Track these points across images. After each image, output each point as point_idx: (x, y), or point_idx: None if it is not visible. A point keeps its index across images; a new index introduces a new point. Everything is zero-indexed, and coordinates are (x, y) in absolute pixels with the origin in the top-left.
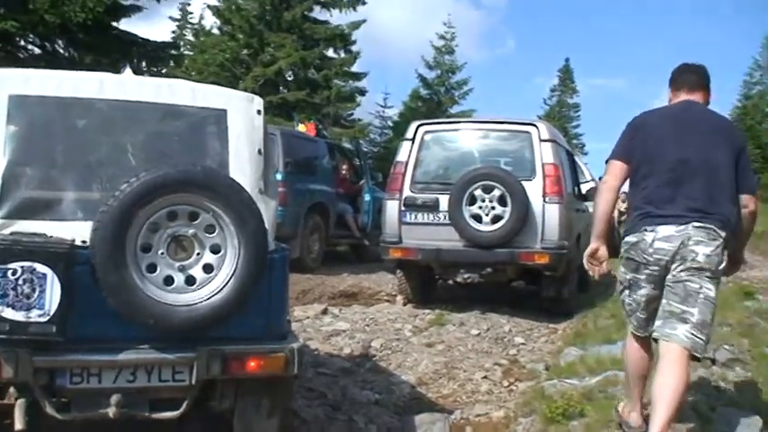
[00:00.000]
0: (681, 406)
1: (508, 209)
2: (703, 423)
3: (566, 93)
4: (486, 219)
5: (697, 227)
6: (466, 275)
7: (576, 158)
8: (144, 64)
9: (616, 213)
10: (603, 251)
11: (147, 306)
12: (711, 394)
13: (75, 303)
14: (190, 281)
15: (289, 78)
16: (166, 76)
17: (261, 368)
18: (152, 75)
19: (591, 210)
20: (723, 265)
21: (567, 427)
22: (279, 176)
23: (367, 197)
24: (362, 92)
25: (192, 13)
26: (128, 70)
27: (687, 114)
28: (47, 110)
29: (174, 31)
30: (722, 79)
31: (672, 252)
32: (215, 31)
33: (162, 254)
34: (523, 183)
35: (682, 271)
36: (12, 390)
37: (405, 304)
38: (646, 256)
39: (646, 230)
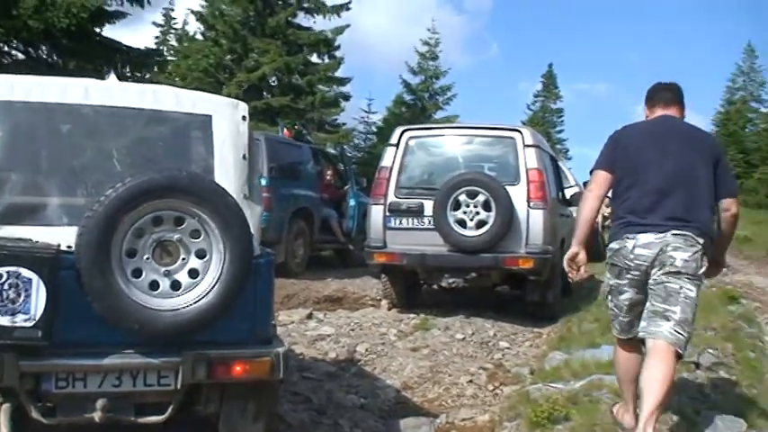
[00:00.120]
0: (667, 398)
1: (492, 214)
2: (688, 426)
3: (549, 98)
4: (470, 224)
5: (675, 234)
6: (450, 280)
7: (560, 164)
8: (128, 70)
9: (600, 218)
10: (582, 256)
11: (133, 311)
12: (696, 398)
13: (61, 308)
14: (175, 286)
15: (273, 84)
16: (150, 81)
17: (246, 372)
18: (136, 80)
19: (575, 215)
20: (702, 270)
21: (553, 430)
22: (263, 182)
23: (351, 202)
24: (346, 97)
25: (175, 18)
26: (112, 76)
27: (664, 128)
28: (32, 115)
29: (157, 37)
30: (705, 84)
31: (651, 258)
32: (198, 36)
33: (147, 259)
34: (508, 188)
35: (662, 275)
36: None
37: (389, 309)
38: (627, 261)
39: (627, 238)
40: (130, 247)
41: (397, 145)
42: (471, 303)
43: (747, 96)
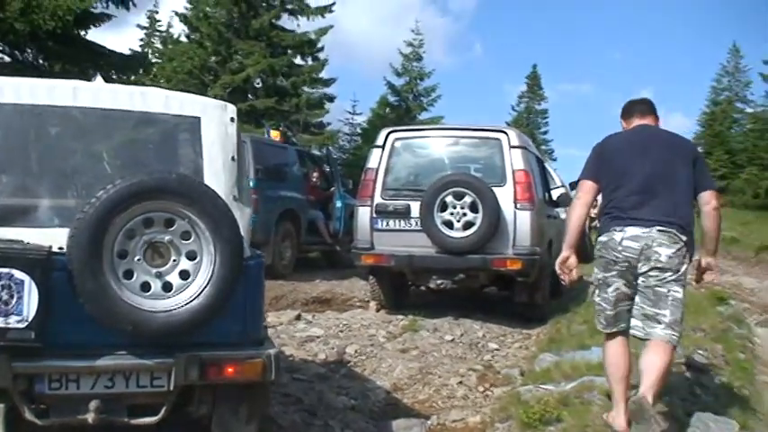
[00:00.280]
0: (665, 378)
1: (479, 215)
2: (680, 428)
3: (534, 99)
4: (457, 225)
5: (660, 230)
6: (438, 281)
7: (546, 165)
8: (113, 72)
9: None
10: (573, 259)
11: (125, 312)
12: (687, 399)
13: (53, 309)
14: (167, 287)
15: (257, 86)
16: (135, 83)
17: (238, 374)
18: (121, 83)
19: (562, 216)
20: (685, 266)
21: None
22: (250, 183)
23: (338, 203)
24: (331, 98)
25: (160, 21)
26: (99, 78)
27: (644, 134)
28: (21, 117)
29: (142, 39)
30: (690, 85)
31: (638, 251)
32: (183, 38)
33: (138, 260)
34: (494, 189)
35: (649, 272)
36: None
37: (378, 310)
38: (615, 253)
39: (615, 230)
40: (122, 248)
41: (383, 146)
42: (460, 305)
43: (733, 97)
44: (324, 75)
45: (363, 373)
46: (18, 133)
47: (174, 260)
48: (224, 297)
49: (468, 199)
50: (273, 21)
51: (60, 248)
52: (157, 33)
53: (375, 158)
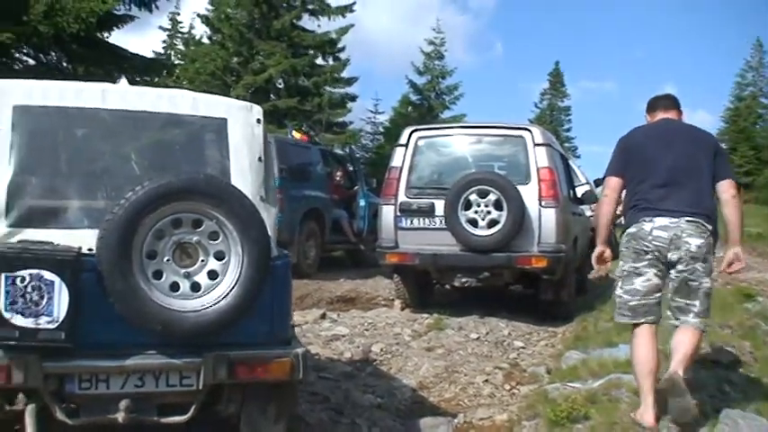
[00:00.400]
0: (693, 356)
1: (504, 213)
2: (709, 426)
3: (556, 96)
4: (482, 223)
5: (688, 221)
6: (463, 280)
7: (570, 162)
8: (136, 74)
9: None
10: (608, 252)
11: (154, 312)
12: (716, 396)
13: (83, 310)
14: (195, 287)
15: (279, 86)
16: (158, 85)
17: (267, 373)
18: (144, 85)
19: (587, 213)
20: (712, 256)
21: (572, 430)
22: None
23: (362, 202)
24: (353, 98)
25: (182, 22)
26: (123, 80)
27: (667, 128)
28: (51, 120)
29: (164, 41)
30: (713, 81)
31: (668, 240)
32: (205, 40)
33: (167, 260)
34: (519, 187)
35: (680, 263)
36: (20, 396)
37: (403, 309)
38: (645, 243)
39: (644, 220)
40: (151, 249)
41: (407, 145)
42: (484, 303)
43: (757, 92)
44: (345, 74)
45: (389, 372)
46: (47, 135)
47: (203, 260)
48: (252, 297)
49: (492, 197)
50: (294, 21)
51: (90, 249)
52: (179, 35)
53: (399, 157)
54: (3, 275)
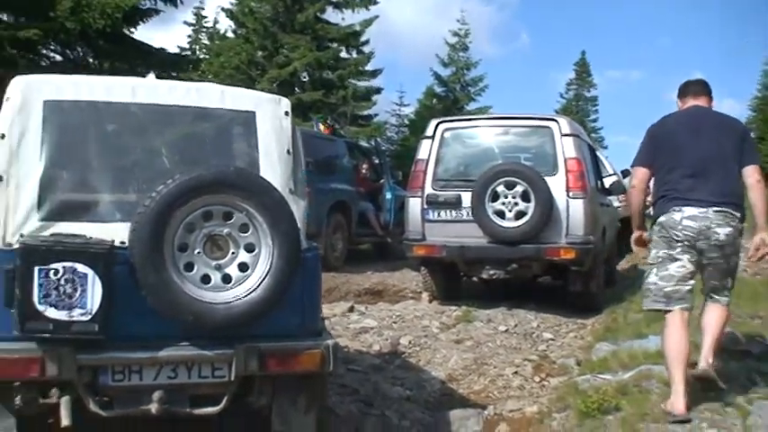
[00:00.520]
0: (722, 336)
1: (531, 204)
2: (741, 416)
3: (583, 86)
4: (509, 215)
5: (716, 211)
6: (491, 272)
7: (598, 152)
8: (162, 69)
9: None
10: (646, 235)
11: (186, 304)
12: (747, 386)
13: (116, 302)
14: (226, 279)
15: (304, 79)
16: (183, 80)
17: (298, 365)
18: (171, 80)
19: (615, 204)
20: (740, 238)
21: (603, 421)
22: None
23: (388, 195)
24: (378, 90)
25: (206, 17)
26: (151, 75)
27: (696, 115)
28: (81, 114)
29: (189, 36)
30: (741, 69)
31: (697, 230)
32: (230, 34)
33: (198, 253)
34: (546, 178)
35: (711, 251)
36: (54, 390)
37: (430, 301)
38: (676, 232)
39: (674, 210)
40: (182, 241)
41: (433, 137)
42: (513, 295)
43: None
44: (370, 66)
45: (418, 364)
46: (78, 130)
47: (233, 253)
48: (282, 289)
49: (519, 188)
50: (318, 14)
51: (122, 242)
52: (204, 30)
53: (425, 149)
54: (36, 268)
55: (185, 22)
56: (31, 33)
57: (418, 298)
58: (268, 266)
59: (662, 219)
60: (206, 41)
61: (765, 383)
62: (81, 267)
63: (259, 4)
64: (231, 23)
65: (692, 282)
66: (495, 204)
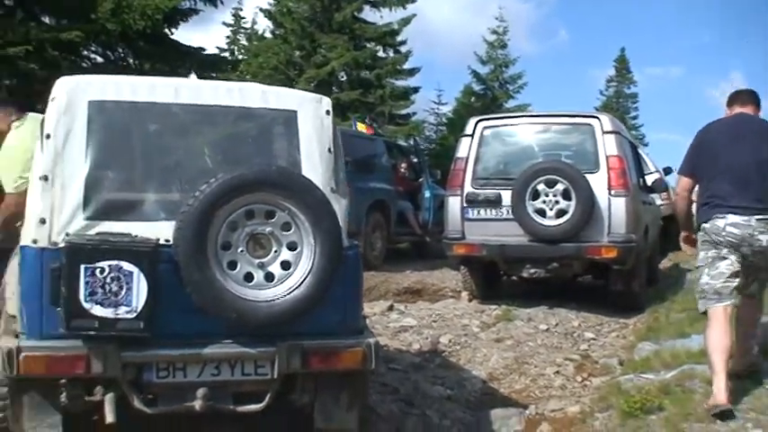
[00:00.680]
0: (756, 331)
1: (573, 203)
2: None
3: (623, 83)
4: (550, 213)
5: (759, 219)
6: (531, 270)
7: (639, 150)
8: (202, 70)
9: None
10: (693, 234)
11: (230, 302)
12: None
13: (161, 300)
14: (269, 277)
15: (342, 79)
16: (223, 80)
17: (340, 362)
18: (210, 80)
19: (657, 202)
20: None
21: (646, 421)
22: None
23: (426, 194)
24: (416, 89)
25: (244, 17)
26: (193, 76)
27: (739, 123)
28: (125, 115)
29: (228, 37)
30: None
31: (740, 237)
32: (268, 34)
33: (241, 251)
34: (587, 176)
35: (754, 256)
36: (98, 387)
37: (470, 300)
38: (719, 238)
39: (717, 217)
40: (225, 240)
41: (472, 135)
42: (553, 294)
43: None
44: (407, 65)
45: (458, 363)
46: (122, 130)
47: (276, 251)
48: (324, 287)
49: (560, 186)
50: (356, 13)
51: (167, 241)
52: (242, 30)
53: (464, 148)
54: (82, 267)
55: (224, 23)
56: (72, 35)
57: (458, 297)
58: (310, 265)
59: (706, 225)
60: (244, 42)
61: None
62: (126, 265)
63: (297, 4)
64: (269, 24)
65: (738, 279)
66: (535, 203)
